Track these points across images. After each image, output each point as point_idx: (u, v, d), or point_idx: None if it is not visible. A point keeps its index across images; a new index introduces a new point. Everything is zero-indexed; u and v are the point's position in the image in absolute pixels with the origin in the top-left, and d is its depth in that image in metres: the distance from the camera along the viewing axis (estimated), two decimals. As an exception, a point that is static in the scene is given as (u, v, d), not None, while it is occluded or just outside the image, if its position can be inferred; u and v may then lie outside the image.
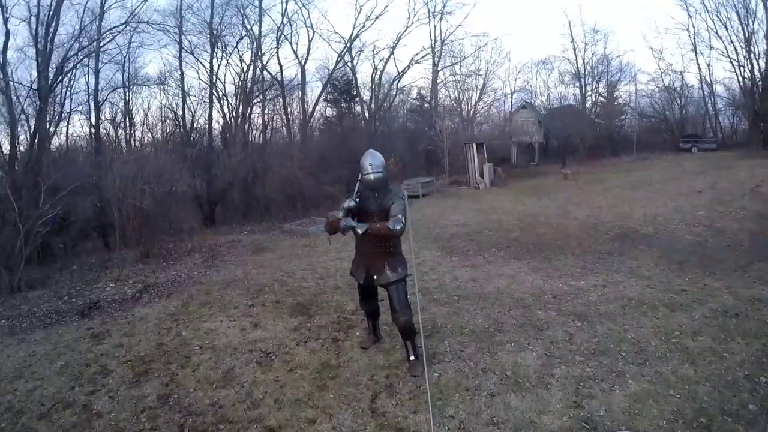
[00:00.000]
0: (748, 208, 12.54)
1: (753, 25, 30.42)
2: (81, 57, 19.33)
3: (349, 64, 32.21)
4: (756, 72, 30.60)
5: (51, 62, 17.67)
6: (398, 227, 4.47)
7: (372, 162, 4.77)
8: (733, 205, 13.15)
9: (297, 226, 15.23)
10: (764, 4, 29.32)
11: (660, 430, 3.66)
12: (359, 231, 4.57)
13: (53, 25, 17.45)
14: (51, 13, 17.27)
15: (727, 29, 31.24)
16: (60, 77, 18.44)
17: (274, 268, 9.69)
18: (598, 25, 36.41)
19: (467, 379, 4.62)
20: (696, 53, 34.05)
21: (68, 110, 20.97)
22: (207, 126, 25.96)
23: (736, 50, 31.08)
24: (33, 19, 17.29)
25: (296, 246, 12.20)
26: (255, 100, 26.62)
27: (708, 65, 34.34)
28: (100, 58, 20.81)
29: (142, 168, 14.45)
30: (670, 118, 36.93)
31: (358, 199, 4.71)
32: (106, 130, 23.60)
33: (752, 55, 30.56)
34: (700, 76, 34.53)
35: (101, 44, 20.20)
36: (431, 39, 34.28)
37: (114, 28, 20.43)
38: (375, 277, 4.88)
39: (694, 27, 33.78)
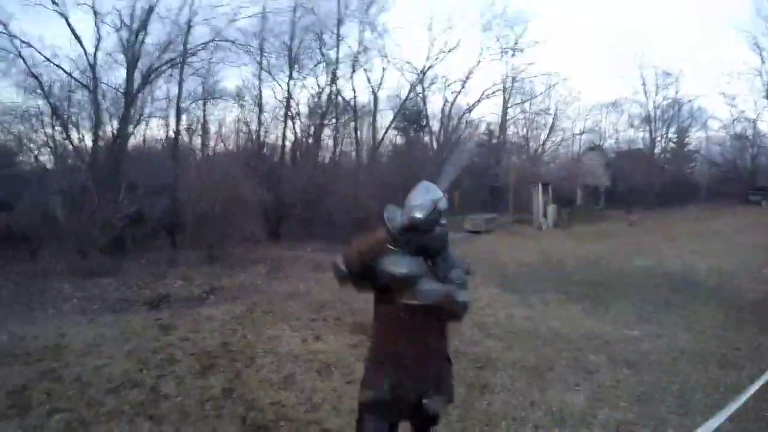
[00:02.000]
0: None
1: None
2: (166, 68, 20.70)
3: (421, 94, 32.71)
4: None
5: (137, 68, 19.01)
6: (464, 299, 2.78)
7: (422, 203, 2.65)
8: None
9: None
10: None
11: None
12: (423, 297, 2.65)
13: (142, 34, 18.90)
14: (141, 23, 18.52)
15: None
16: (145, 84, 19.82)
17: (336, 287, 9.89)
18: (670, 68, 35.41)
19: (515, 410, 4.71)
20: None
21: (148, 114, 22.48)
22: (279, 143, 27.05)
23: None
24: (124, 26, 18.91)
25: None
26: (327, 122, 27.38)
27: None
28: (184, 69, 22.11)
29: (215, 175, 15.11)
30: (740, 167, 36.10)
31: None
32: (182, 137, 25.01)
33: None
34: None
35: (186, 57, 21.45)
36: (502, 75, 34.51)
37: (200, 45, 21.78)
38: (426, 401, 2.73)
39: (766, 72, 33.06)
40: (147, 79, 19.62)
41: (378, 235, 2.71)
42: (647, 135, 38.14)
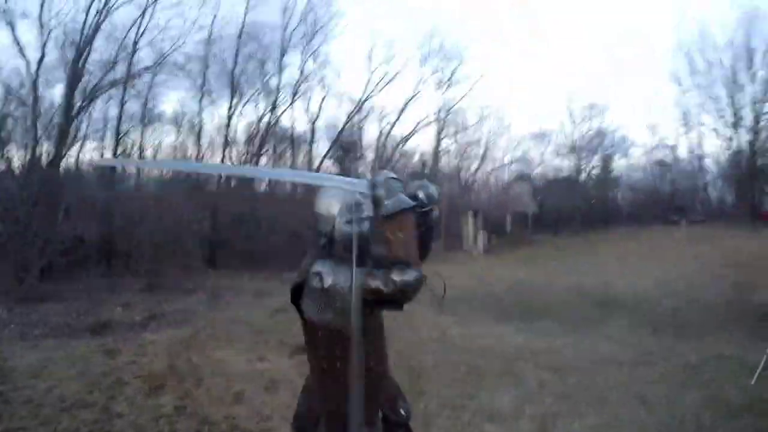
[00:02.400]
0: (728, 278, 13.28)
1: (741, 101, 32.56)
2: (108, 88, 20.45)
3: (357, 124, 33.42)
4: (743, 146, 32.77)
5: (78, 87, 18.77)
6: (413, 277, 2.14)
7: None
8: (714, 275, 13.91)
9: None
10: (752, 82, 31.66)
11: None
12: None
13: (87, 51, 18.67)
14: (86, 40, 18.36)
15: (715, 105, 33.43)
16: (87, 104, 19.53)
17: (276, 313, 10.22)
18: (595, 100, 37.97)
19: (450, 410, 5.18)
20: (686, 128, 36.07)
21: (85, 136, 22.04)
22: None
23: (724, 125, 33.29)
24: (68, 43, 18.50)
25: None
26: (264, 151, 27.65)
27: (698, 140, 36.29)
28: (126, 91, 21.94)
29: (153, 202, 15.16)
30: (661, 191, 38.59)
31: None
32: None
33: (739, 129, 32.75)
34: (691, 150, 36.76)
35: (130, 79, 21.31)
36: (437, 107, 35.69)
37: (145, 68, 21.62)
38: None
39: (685, 103, 35.70)
40: (90, 98, 19.35)
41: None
42: (572, 163, 40.25)
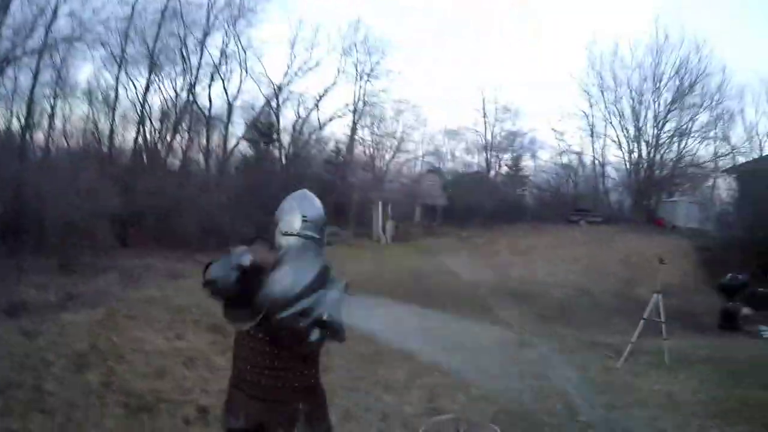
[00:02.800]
0: (617, 274, 14.82)
1: (643, 117, 36.58)
2: (23, 55, 19.95)
3: (275, 108, 33.69)
4: (643, 157, 36.58)
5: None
6: (315, 338, 2.23)
7: (309, 213, 2.51)
8: (605, 270, 15.45)
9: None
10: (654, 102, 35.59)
11: (485, 416, 5.07)
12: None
13: (2, 15, 18.06)
14: (2, 3, 17.85)
15: (620, 119, 37.16)
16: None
17: (191, 294, 10.66)
18: (510, 104, 40.01)
19: (351, 382, 5.96)
20: (592, 137, 39.35)
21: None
22: (131, 147, 26.72)
23: (626, 137, 37.23)
24: None
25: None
26: (180, 129, 27.48)
27: (602, 148, 39.64)
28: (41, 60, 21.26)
29: (64, 177, 14.95)
30: (564, 192, 41.30)
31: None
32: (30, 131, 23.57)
33: (639, 142, 36.64)
34: (594, 157, 39.92)
35: (46, 47, 20.80)
36: (355, 97, 36.43)
37: (64, 37, 21.10)
38: None
39: (593, 115, 38.82)
40: (2, 65, 18.80)
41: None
42: (483, 160, 42.70)
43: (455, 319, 9.82)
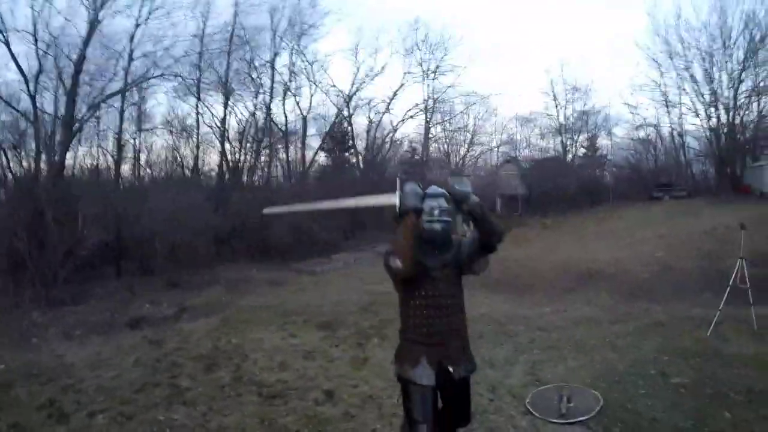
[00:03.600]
0: (702, 249, 14.34)
1: (718, 79, 33.89)
2: (107, 97, 21.30)
3: (347, 117, 34.45)
4: (722, 121, 34.14)
5: (77, 96, 19.49)
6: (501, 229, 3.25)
7: (439, 204, 3.16)
8: (690, 246, 14.99)
9: (304, 267, 16.76)
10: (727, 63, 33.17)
11: (585, 384, 5.29)
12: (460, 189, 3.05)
13: (82, 62, 19.36)
14: (80, 52, 19.15)
15: (694, 84, 34.71)
16: (89, 115, 20.48)
17: (293, 299, 11.12)
18: (579, 83, 38.76)
19: None
20: (667, 107, 36.98)
21: (86, 143, 23.39)
22: (216, 168, 28.24)
23: (702, 102, 34.70)
24: (62, 54, 19.21)
25: (307, 282, 13.77)
26: (260, 147, 28.57)
27: (679, 118, 37.10)
28: (125, 99, 22.92)
29: (159, 203, 15.79)
30: (644, 168, 39.65)
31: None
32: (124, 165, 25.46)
33: (717, 107, 34.08)
34: (671, 128, 37.61)
35: (127, 88, 22.22)
36: (424, 96, 36.64)
37: (141, 79, 22.52)
38: (452, 369, 3.12)
39: (664, 83, 36.57)
40: (91, 108, 20.23)
41: (406, 226, 2.97)
42: (559, 144, 41.58)
43: (546, 303, 9.90)
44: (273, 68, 29.33)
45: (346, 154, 35.16)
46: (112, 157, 24.09)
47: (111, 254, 17.71)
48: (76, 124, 19.63)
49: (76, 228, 13.45)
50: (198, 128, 27.42)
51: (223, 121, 27.58)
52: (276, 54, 29.34)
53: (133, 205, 17.29)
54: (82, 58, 19.41)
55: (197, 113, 27.11)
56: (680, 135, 37.58)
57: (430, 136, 38.04)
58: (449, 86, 36.31)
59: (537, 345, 6.91)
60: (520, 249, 18.65)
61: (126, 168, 26.00)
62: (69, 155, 22.14)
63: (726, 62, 33.46)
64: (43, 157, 18.59)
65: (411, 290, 3.12)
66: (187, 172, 27.88)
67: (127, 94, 23.25)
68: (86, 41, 19.60)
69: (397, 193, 3.07)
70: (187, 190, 22.44)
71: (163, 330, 8.89)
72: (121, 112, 23.10)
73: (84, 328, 9.53)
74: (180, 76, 24.57)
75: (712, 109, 34.53)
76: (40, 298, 11.58)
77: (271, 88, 29.41)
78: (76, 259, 12.58)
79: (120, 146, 23.71)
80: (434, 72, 36.32)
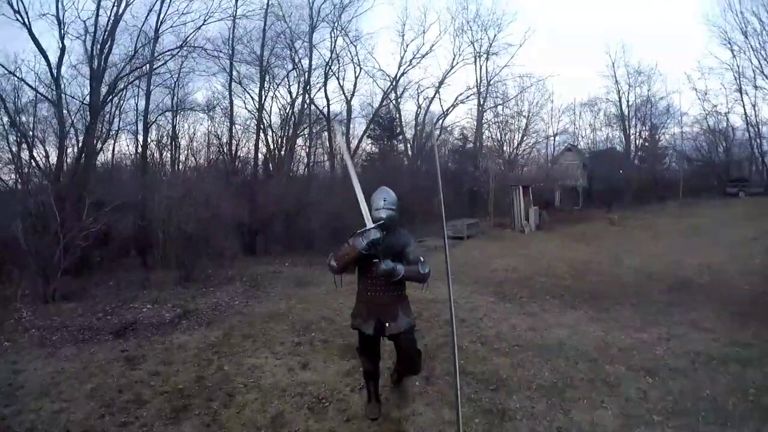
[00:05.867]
0: None
1: None
2: (133, 78, 19.69)
3: (394, 101, 32.23)
4: None
5: (103, 80, 17.91)
6: (427, 270, 4.38)
7: (386, 198, 4.54)
8: None
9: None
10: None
11: None
12: (384, 268, 4.20)
13: (108, 44, 17.68)
14: (106, 33, 17.53)
15: None
16: (111, 96, 18.78)
17: (320, 304, 9.22)
18: (642, 66, 35.49)
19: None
20: (741, 93, 33.05)
21: (116, 128, 21.59)
22: (251, 155, 26.24)
23: None
24: (89, 37, 17.55)
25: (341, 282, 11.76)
26: (301, 133, 26.65)
27: (753, 105, 32.98)
28: (151, 80, 21.18)
29: (188, 191, 14.47)
30: (715, 161, 36.08)
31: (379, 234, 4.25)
32: (151, 151, 24.03)
33: None
34: (746, 117, 33.65)
35: (154, 67, 20.47)
36: (477, 79, 34.09)
37: (167, 51, 20.59)
38: (387, 325, 4.45)
39: (738, 66, 32.72)
40: (113, 90, 18.55)
41: (347, 248, 4.34)
42: (621, 134, 38.31)
43: (642, 324, 7.67)
44: (311, 45, 27.00)
45: (394, 141, 33.17)
46: (142, 142, 22.61)
47: (137, 245, 16.89)
48: (100, 107, 18.15)
49: (91, 217, 12.13)
50: (231, 112, 25.73)
51: (261, 105, 25.59)
52: (314, 29, 26.84)
53: (161, 193, 15.89)
54: (108, 37, 17.97)
55: (230, 92, 25.43)
56: (755, 124, 33.55)
57: (483, 121, 35.36)
58: (503, 66, 33.61)
59: (654, 405, 4.75)
60: (589, 248, 16.55)
61: (156, 154, 24.59)
62: (109, 143, 21.52)
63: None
64: (68, 142, 17.29)
65: (361, 270, 4.59)
66: (225, 159, 26.15)
67: (161, 77, 22.01)
68: (115, 22, 18.06)
69: (371, 227, 4.25)
70: (222, 178, 21.19)
71: (149, 342, 7.20)
72: (148, 93, 21.30)
73: (64, 333, 7.98)
74: (207, 50, 22.60)
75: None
76: (36, 292, 10.24)
77: (309, 67, 27.02)
78: (76, 252, 11.17)
79: (146, 130, 22.15)
80: (487, 52, 33.57)
